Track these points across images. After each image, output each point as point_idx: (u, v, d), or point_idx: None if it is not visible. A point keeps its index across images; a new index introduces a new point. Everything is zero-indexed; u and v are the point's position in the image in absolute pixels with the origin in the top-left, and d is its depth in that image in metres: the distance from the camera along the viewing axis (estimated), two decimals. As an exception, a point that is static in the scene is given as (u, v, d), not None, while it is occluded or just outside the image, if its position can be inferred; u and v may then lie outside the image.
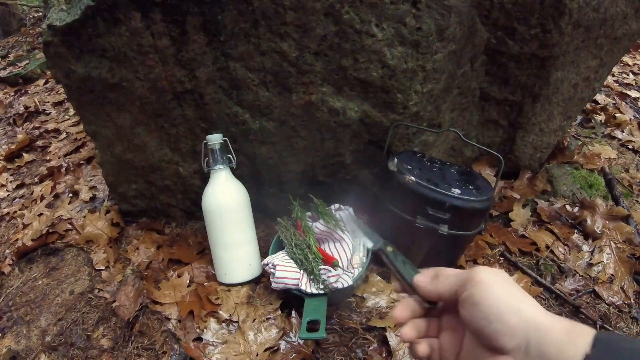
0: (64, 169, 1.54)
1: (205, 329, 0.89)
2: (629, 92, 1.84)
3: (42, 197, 1.39)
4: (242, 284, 0.98)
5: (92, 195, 1.36)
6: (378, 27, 0.81)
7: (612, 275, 1.01)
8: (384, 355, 0.82)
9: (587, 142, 1.48)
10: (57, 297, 1.05)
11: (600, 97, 1.74)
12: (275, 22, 0.82)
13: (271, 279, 0.91)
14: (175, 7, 0.81)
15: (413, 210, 0.84)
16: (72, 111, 2.03)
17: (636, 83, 1.98)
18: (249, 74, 0.90)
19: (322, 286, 0.87)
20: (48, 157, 1.69)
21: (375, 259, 0.97)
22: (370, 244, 0.56)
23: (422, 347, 0.38)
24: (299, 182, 1.09)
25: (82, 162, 1.58)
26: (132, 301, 0.98)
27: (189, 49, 0.87)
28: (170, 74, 0.91)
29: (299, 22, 0.81)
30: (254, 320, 0.89)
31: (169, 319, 0.93)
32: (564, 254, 1.06)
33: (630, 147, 1.48)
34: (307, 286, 0.88)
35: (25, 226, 1.27)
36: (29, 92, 2.38)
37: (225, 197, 0.96)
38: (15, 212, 1.38)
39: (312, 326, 0.80)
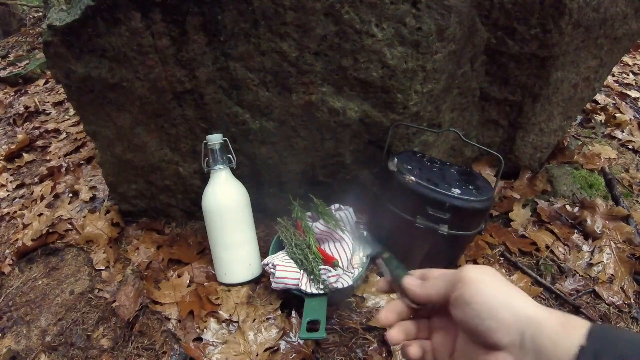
0: (64, 169, 1.54)
1: (205, 329, 0.89)
2: (629, 92, 1.84)
3: (42, 197, 1.39)
4: (242, 284, 0.98)
5: (92, 195, 1.36)
6: (378, 27, 0.81)
7: (612, 275, 1.01)
8: (384, 355, 0.82)
9: (587, 142, 1.48)
10: (57, 297, 1.05)
11: (600, 97, 1.74)
12: (275, 22, 0.82)
13: (271, 279, 0.91)
14: (175, 7, 0.81)
15: (413, 210, 0.84)
16: (72, 111, 2.03)
17: (636, 83, 1.98)
18: (249, 74, 0.90)
19: (322, 286, 0.87)
20: (48, 157, 1.69)
21: (373, 260, 0.97)
22: (367, 250, 0.56)
23: (413, 349, 0.38)
24: (299, 182, 1.09)
25: (82, 162, 1.58)
26: (132, 301, 0.98)
27: (189, 49, 0.87)
28: (170, 74, 0.91)
29: (299, 22, 0.81)
30: (254, 320, 0.89)
31: (169, 319, 0.93)
32: (564, 254, 1.06)
33: (630, 147, 1.48)
34: (307, 286, 0.88)
35: (25, 226, 1.27)
36: (29, 92, 2.38)
37: (225, 197, 0.96)
38: (15, 212, 1.38)
39: (312, 326, 0.80)
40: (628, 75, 2.05)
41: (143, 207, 1.23)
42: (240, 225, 0.98)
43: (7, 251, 1.21)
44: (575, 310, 0.93)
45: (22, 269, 1.15)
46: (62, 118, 2.01)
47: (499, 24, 0.97)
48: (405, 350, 0.38)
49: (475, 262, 1.03)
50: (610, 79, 1.96)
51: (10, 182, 1.57)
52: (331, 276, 0.88)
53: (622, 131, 1.55)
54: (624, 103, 1.74)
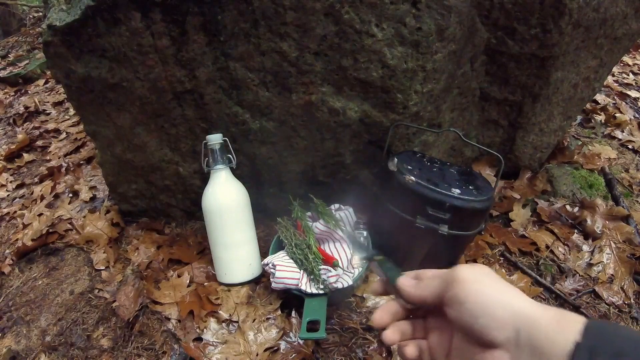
0: (64, 169, 1.54)
1: (205, 329, 0.89)
2: (629, 92, 1.84)
3: (42, 197, 1.39)
4: (242, 284, 0.98)
5: (92, 195, 1.36)
6: (378, 27, 0.81)
7: (612, 275, 1.01)
8: (384, 355, 0.82)
9: (587, 142, 1.48)
10: (57, 297, 1.05)
11: (600, 97, 1.74)
12: (275, 22, 0.82)
13: (271, 279, 0.91)
14: (175, 7, 0.81)
15: (413, 210, 0.84)
16: (72, 111, 2.03)
17: (636, 83, 1.98)
18: (249, 74, 0.90)
19: (322, 286, 0.87)
20: (48, 157, 1.69)
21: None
22: (360, 254, 0.56)
23: (410, 349, 0.38)
24: (299, 182, 1.09)
25: (82, 162, 1.58)
26: (132, 301, 0.98)
27: (189, 49, 0.87)
28: (170, 74, 0.91)
29: (299, 22, 0.81)
30: (254, 320, 0.89)
31: (169, 319, 0.93)
32: (564, 254, 1.06)
33: (630, 147, 1.48)
34: (307, 286, 0.88)
35: (25, 226, 1.27)
36: (29, 92, 2.38)
37: (225, 197, 0.96)
38: (15, 212, 1.38)
39: (312, 326, 0.80)
40: (628, 75, 2.05)
41: (143, 207, 1.23)
42: (240, 225, 0.98)
43: (7, 251, 1.21)
44: (576, 310, 0.93)
45: (22, 269, 1.15)
46: (62, 118, 2.01)
47: (499, 24, 0.97)
48: (401, 350, 0.38)
49: (475, 262, 1.03)
50: (610, 79, 1.96)
51: (10, 182, 1.57)
52: (331, 276, 0.88)
53: (622, 131, 1.55)
54: (624, 103, 1.74)
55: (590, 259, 1.04)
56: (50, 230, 1.21)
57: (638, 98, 1.82)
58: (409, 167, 0.87)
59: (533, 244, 1.08)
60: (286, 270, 0.90)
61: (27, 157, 1.71)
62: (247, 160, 1.07)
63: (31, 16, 3.97)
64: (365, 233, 1.00)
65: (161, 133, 1.03)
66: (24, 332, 0.97)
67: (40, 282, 1.10)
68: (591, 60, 1.11)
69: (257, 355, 0.83)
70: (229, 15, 0.82)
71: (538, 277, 1.00)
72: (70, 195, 1.39)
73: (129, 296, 0.99)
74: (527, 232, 1.11)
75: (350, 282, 0.88)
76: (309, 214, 1.05)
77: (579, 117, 1.63)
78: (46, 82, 2.45)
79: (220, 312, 0.91)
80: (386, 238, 0.95)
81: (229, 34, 0.84)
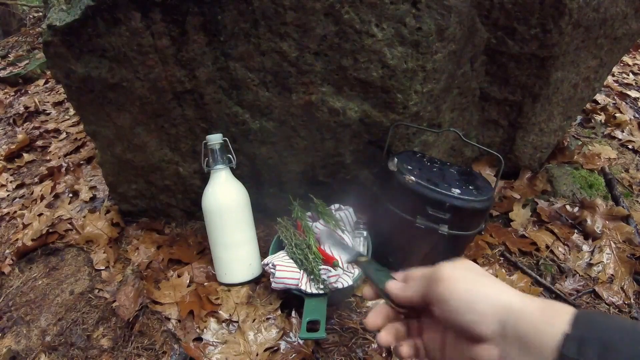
0: (64, 169, 1.54)
1: (205, 329, 0.89)
2: (629, 92, 1.84)
3: (42, 197, 1.39)
4: (242, 284, 0.98)
5: (92, 195, 1.36)
6: (378, 27, 0.81)
7: (612, 275, 1.01)
8: (384, 355, 0.82)
9: (587, 142, 1.48)
10: (57, 297, 1.05)
11: (600, 97, 1.74)
12: (275, 22, 0.82)
13: (271, 279, 0.91)
14: (175, 7, 0.81)
15: (413, 210, 0.84)
16: (72, 111, 2.03)
17: (636, 83, 1.98)
18: (249, 74, 0.90)
19: (322, 286, 0.88)
20: (48, 157, 1.69)
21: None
22: (346, 257, 0.56)
23: (405, 349, 0.38)
24: (299, 182, 1.09)
25: (82, 162, 1.58)
26: (132, 301, 0.98)
27: (189, 49, 0.87)
28: (170, 74, 0.91)
29: (299, 22, 0.81)
30: (254, 320, 0.89)
31: (169, 319, 0.93)
32: (564, 254, 1.06)
33: (630, 147, 1.48)
34: (307, 286, 0.88)
35: (25, 226, 1.27)
36: (29, 92, 2.38)
37: (225, 197, 0.96)
38: (15, 212, 1.38)
39: (312, 326, 0.80)
40: (628, 75, 2.05)
41: (143, 207, 1.23)
42: (240, 225, 0.98)
43: (7, 251, 1.21)
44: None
45: (22, 269, 1.15)
46: (62, 118, 2.01)
47: (499, 24, 0.97)
48: (396, 350, 0.38)
49: (475, 262, 1.03)
50: (610, 79, 1.96)
51: (10, 182, 1.57)
52: (331, 276, 0.88)
53: (622, 131, 1.55)
54: (624, 103, 1.74)
55: (590, 259, 1.04)
56: (50, 230, 1.21)
57: (638, 98, 1.82)
58: (409, 167, 0.87)
59: (533, 244, 1.08)
60: (286, 270, 0.90)
61: (27, 157, 1.71)
62: (247, 160, 1.07)
63: (31, 16, 3.97)
64: (365, 233, 1.00)
65: (161, 133, 1.03)
66: (24, 332, 0.97)
67: (40, 282, 1.10)
68: (591, 60, 1.11)
69: (257, 355, 0.83)
70: (229, 15, 0.82)
71: (538, 277, 1.00)
72: (70, 195, 1.39)
73: (129, 296, 0.99)
74: (527, 232, 1.11)
75: (350, 282, 0.88)
76: (309, 214, 1.05)
77: (579, 117, 1.63)
78: (46, 82, 2.45)
79: (220, 312, 0.91)
80: (386, 238, 0.95)
81: (229, 34, 0.84)
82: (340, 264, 0.92)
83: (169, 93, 0.95)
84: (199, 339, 0.88)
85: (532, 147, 1.23)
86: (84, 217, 1.25)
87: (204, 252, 1.10)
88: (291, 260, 0.94)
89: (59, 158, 1.65)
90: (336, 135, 0.97)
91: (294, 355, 0.83)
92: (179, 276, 1.03)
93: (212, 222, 0.97)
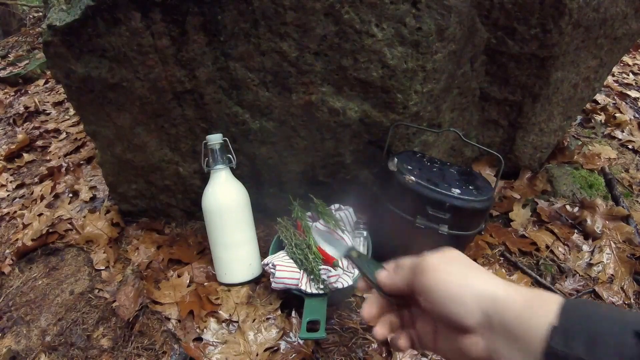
0: (64, 169, 1.54)
1: (205, 329, 0.89)
2: (629, 92, 1.84)
3: (42, 197, 1.39)
4: (242, 284, 0.98)
5: (92, 195, 1.36)
6: (378, 27, 0.81)
7: (612, 275, 1.01)
8: (384, 355, 0.82)
9: (587, 142, 1.48)
10: (57, 297, 1.05)
11: (600, 97, 1.74)
12: (275, 22, 0.82)
13: (271, 279, 0.91)
14: (175, 7, 0.81)
15: (413, 210, 0.84)
16: (72, 111, 2.03)
17: (636, 83, 1.98)
18: (249, 74, 0.90)
19: (322, 286, 0.88)
20: (48, 157, 1.69)
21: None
22: (337, 253, 0.56)
23: (402, 341, 0.38)
24: (299, 182, 1.09)
25: (82, 162, 1.58)
26: (132, 301, 0.98)
27: (189, 49, 0.87)
28: (170, 74, 0.91)
29: (299, 22, 0.81)
30: (254, 320, 0.89)
31: (169, 319, 0.93)
32: (564, 254, 1.06)
33: (630, 147, 1.48)
34: (307, 286, 0.88)
35: (25, 226, 1.27)
36: (29, 92, 2.37)
37: (225, 197, 0.96)
38: (15, 212, 1.38)
39: (312, 326, 0.80)
40: (628, 75, 2.05)
41: (143, 207, 1.23)
42: (240, 225, 0.98)
43: (7, 251, 1.21)
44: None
45: (22, 269, 1.15)
46: (62, 118, 2.01)
47: (499, 24, 0.97)
48: (394, 343, 0.38)
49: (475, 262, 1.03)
50: (610, 79, 1.96)
51: (10, 182, 1.57)
52: (331, 276, 0.88)
53: (622, 131, 1.55)
54: (624, 103, 1.74)
55: (590, 259, 1.04)
56: (50, 230, 1.21)
57: (638, 98, 1.82)
58: (409, 167, 0.87)
59: (533, 244, 1.08)
60: (286, 270, 0.90)
61: (27, 157, 1.71)
62: (247, 160, 1.07)
63: (31, 16, 3.97)
64: (365, 233, 1.00)
65: (161, 133, 1.03)
66: (24, 332, 0.97)
67: (40, 282, 1.10)
68: (591, 60, 1.11)
69: (257, 355, 0.83)
70: (229, 15, 0.82)
71: (538, 277, 1.00)
72: (70, 195, 1.39)
73: (129, 296, 0.99)
74: (527, 232, 1.11)
75: (350, 282, 0.88)
76: (309, 214, 1.05)
77: (579, 117, 1.63)
78: (46, 82, 2.45)
79: (220, 312, 0.91)
80: (386, 238, 0.95)
81: (229, 34, 0.84)
82: (340, 264, 0.92)
83: (169, 93, 0.95)
84: (199, 339, 0.88)
85: (532, 147, 1.23)
86: (84, 217, 1.25)
87: (204, 252, 1.10)
88: (291, 260, 0.94)
89: (59, 158, 1.65)
90: (336, 135, 0.97)
91: (294, 355, 0.83)
92: (179, 276, 1.03)
93: (212, 222, 0.97)
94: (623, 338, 0.24)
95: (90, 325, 0.96)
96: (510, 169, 1.28)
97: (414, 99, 0.89)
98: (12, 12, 3.79)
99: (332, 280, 0.88)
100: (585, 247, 1.07)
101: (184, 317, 0.92)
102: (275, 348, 0.85)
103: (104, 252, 1.13)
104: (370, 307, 0.40)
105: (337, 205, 1.05)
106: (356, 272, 0.91)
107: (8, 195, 1.51)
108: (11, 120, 2.07)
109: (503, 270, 1.02)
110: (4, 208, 1.43)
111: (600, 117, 1.63)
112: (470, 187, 0.85)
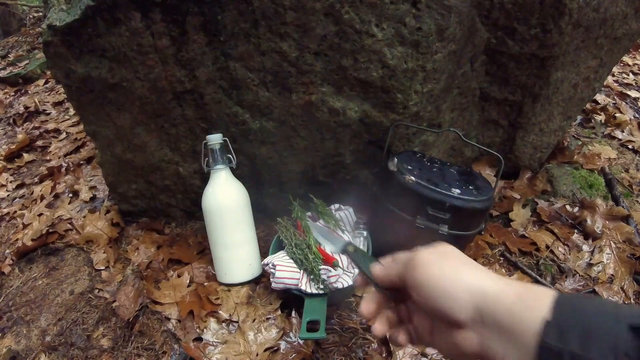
0: (64, 169, 1.54)
1: (205, 329, 0.89)
2: (629, 92, 1.84)
3: (42, 197, 1.39)
4: (242, 284, 0.98)
5: (92, 195, 1.36)
6: (378, 27, 0.81)
7: (612, 275, 1.01)
8: (384, 355, 0.82)
9: (587, 142, 1.48)
10: (57, 297, 1.05)
11: (600, 97, 1.74)
12: (275, 22, 0.82)
13: (271, 279, 0.91)
14: (175, 7, 0.81)
15: (413, 210, 0.84)
16: (72, 111, 2.03)
17: (636, 83, 1.98)
18: (249, 74, 0.90)
19: (322, 286, 0.88)
20: (48, 157, 1.69)
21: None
22: (333, 248, 0.56)
23: (402, 337, 0.38)
24: (299, 182, 1.09)
25: (82, 162, 1.58)
26: (132, 301, 0.98)
27: (189, 49, 0.87)
28: (170, 74, 0.91)
29: (299, 22, 0.81)
30: (254, 320, 0.89)
31: (169, 319, 0.93)
32: (564, 254, 1.06)
33: (630, 147, 1.48)
34: (307, 286, 0.88)
35: (25, 226, 1.27)
36: (29, 92, 2.38)
37: (225, 197, 0.96)
38: (15, 212, 1.38)
39: (312, 326, 0.80)
40: (628, 75, 2.05)
41: (143, 207, 1.23)
42: (240, 225, 0.98)
43: (7, 251, 1.21)
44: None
45: (22, 269, 1.15)
46: (62, 118, 2.01)
47: (499, 24, 0.97)
48: (393, 339, 0.38)
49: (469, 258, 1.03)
50: (610, 79, 1.96)
51: (10, 182, 1.57)
52: (331, 276, 0.88)
53: (622, 131, 1.55)
54: (624, 103, 1.74)
55: (590, 259, 1.04)
56: (50, 230, 1.21)
57: (638, 98, 1.82)
58: (409, 167, 0.87)
59: (533, 244, 1.08)
60: (286, 270, 0.90)
61: (27, 157, 1.71)
62: (247, 160, 1.07)
63: (31, 16, 3.97)
64: (365, 233, 1.00)
65: (161, 133, 1.03)
66: (24, 332, 0.97)
67: (40, 282, 1.10)
68: (591, 60, 1.11)
69: (257, 355, 0.83)
70: (229, 15, 0.82)
71: (538, 277, 1.00)
72: (70, 195, 1.39)
73: (129, 296, 0.99)
74: (527, 232, 1.11)
75: (350, 282, 0.88)
76: (309, 214, 1.05)
77: (579, 117, 1.63)
78: (46, 82, 2.45)
79: (220, 312, 0.91)
80: (386, 238, 0.95)
81: (229, 34, 0.84)
82: (340, 264, 0.92)
83: (169, 93, 0.95)
84: (199, 339, 0.88)
85: (532, 147, 1.23)
86: (84, 217, 1.25)
87: (204, 252, 1.10)
88: (291, 260, 0.94)
89: (59, 158, 1.65)
90: (336, 135, 0.97)
91: (294, 355, 0.83)
92: (179, 276, 1.03)
93: (212, 222, 0.97)
94: (617, 332, 0.24)
95: (90, 325, 0.96)
96: (510, 169, 1.28)
97: (414, 99, 0.89)
98: (12, 12, 3.80)
99: (332, 280, 0.88)
100: (585, 247, 1.07)
101: (184, 317, 0.92)
102: (275, 348, 0.85)
103: (104, 252, 1.13)
104: (368, 303, 0.40)
105: (337, 205, 1.05)
106: (356, 271, 0.91)
107: (8, 195, 1.51)
108: (11, 120, 2.07)
109: (503, 270, 1.02)
110: (4, 208, 1.43)
111: (600, 117, 1.63)
112: (470, 187, 0.85)
